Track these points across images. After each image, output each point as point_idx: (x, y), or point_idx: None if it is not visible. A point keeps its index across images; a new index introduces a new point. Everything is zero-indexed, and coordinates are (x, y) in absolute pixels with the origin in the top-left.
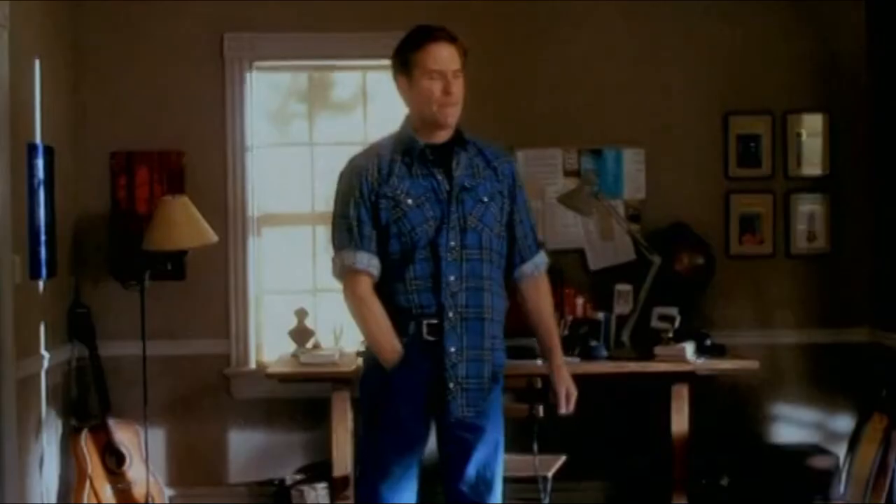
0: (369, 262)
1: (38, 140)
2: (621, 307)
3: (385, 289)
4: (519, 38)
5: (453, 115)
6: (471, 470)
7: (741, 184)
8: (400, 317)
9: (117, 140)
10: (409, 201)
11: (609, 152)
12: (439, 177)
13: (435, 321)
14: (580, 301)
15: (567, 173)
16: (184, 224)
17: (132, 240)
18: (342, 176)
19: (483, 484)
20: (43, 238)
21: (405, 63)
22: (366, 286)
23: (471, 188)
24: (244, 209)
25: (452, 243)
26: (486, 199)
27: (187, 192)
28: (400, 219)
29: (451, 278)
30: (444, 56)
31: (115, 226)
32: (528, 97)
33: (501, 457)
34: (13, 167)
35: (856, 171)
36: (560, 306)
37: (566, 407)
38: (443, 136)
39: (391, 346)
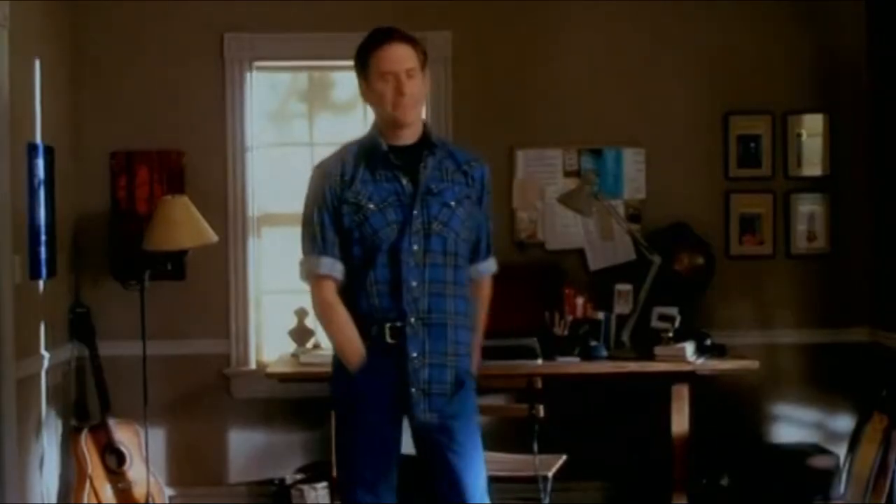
0: (332, 267)
1: (38, 140)
2: (621, 307)
3: (349, 293)
4: (519, 38)
5: (411, 113)
6: (449, 473)
7: (741, 184)
8: (363, 321)
9: (117, 140)
10: (371, 206)
11: (609, 152)
12: (404, 180)
13: (398, 324)
14: (580, 301)
15: (567, 173)
16: (184, 224)
17: (132, 240)
18: (310, 180)
19: (462, 486)
20: (43, 238)
21: (362, 67)
22: (329, 291)
23: (437, 192)
24: (244, 209)
25: (415, 247)
26: (452, 204)
27: (187, 192)
28: (362, 223)
29: (413, 283)
30: (395, 56)
31: (115, 226)
32: (528, 97)
33: (480, 456)
34: (13, 167)
35: (856, 171)
36: (560, 306)
37: None
38: (410, 138)
39: (355, 349)
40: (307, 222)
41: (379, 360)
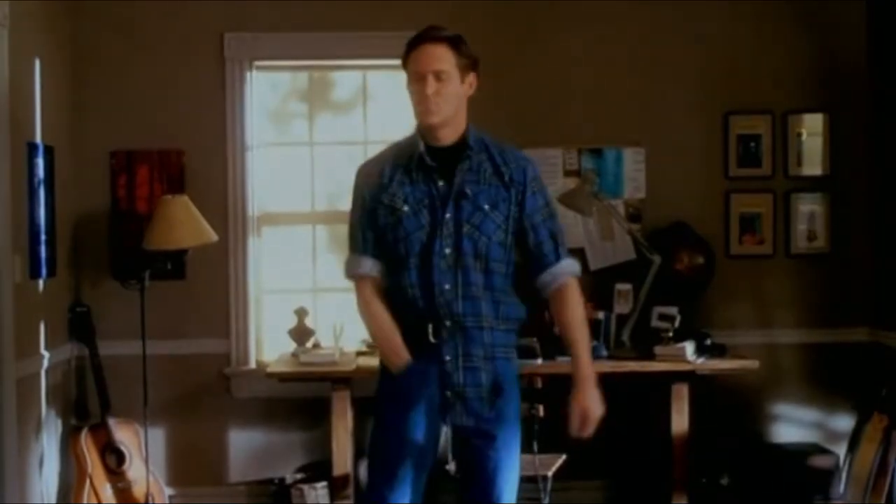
0: (371, 267)
1: (38, 139)
2: (621, 307)
3: (388, 294)
4: (519, 38)
5: (433, 115)
6: (483, 476)
7: (741, 183)
8: (402, 321)
9: (117, 139)
10: (406, 208)
11: (609, 152)
12: (440, 182)
13: (435, 326)
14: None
15: (567, 173)
16: (184, 223)
17: (132, 239)
18: (354, 181)
19: (494, 488)
20: (43, 237)
21: (405, 67)
22: (370, 290)
23: (471, 195)
24: (244, 208)
25: (447, 251)
26: (486, 207)
27: (187, 192)
28: (396, 225)
29: (446, 286)
30: (425, 58)
31: (115, 225)
32: (528, 97)
33: (516, 463)
34: (13, 167)
35: (856, 171)
36: None
37: (579, 430)
38: (448, 139)
39: (396, 349)
40: (350, 223)
41: (421, 362)
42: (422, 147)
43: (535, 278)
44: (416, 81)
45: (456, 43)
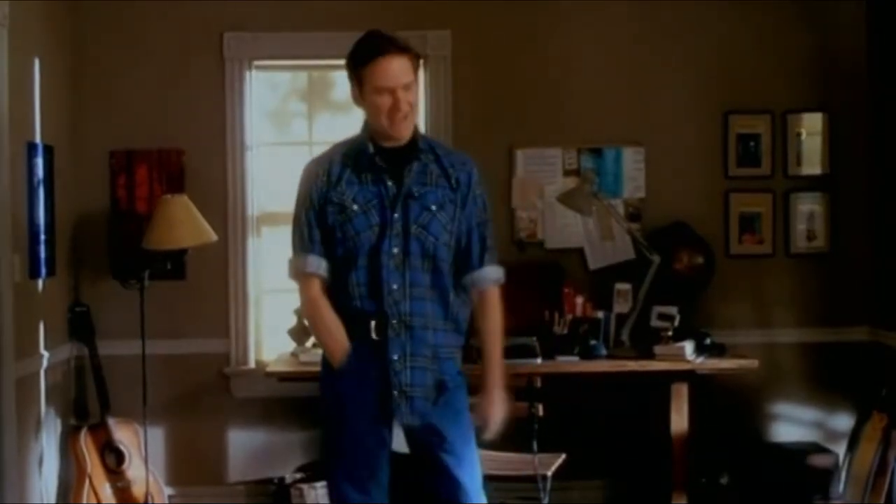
0: (318, 266)
1: (37, 139)
2: (621, 306)
3: (333, 292)
4: (519, 38)
5: (406, 127)
6: (443, 471)
7: (741, 183)
8: (347, 320)
9: (117, 139)
10: (355, 207)
11: (609, 151)
12: (388, 183)
13: (382, 324)
14: (580, 300)
15: (567, 173)
16: (183, 223)
17: (132, 239)
18: (300, 180)
19: (457, 484)
20: (42, 237)
21: (355, 74)
22: (315, 289)
23: (419, 196)
24: (244, 208)
25: (395, 250)
26: (433, 208)
27: (187, 191)
28: (344, 224)
29: (394, 286)
30: (392, 71)
31: (114, 225)
32: (527, 97)
33: (473, 454)
34: (13, 166)
35: (856, 170)
36: (560, 305)
37: (482, 432)
38: (398, 142)
39: (340, 346)
40: (295, 221)
41: (364, 361)
42: (372, 148)
43: (458, 278)
44: (385, 94)
45: (410, 49)
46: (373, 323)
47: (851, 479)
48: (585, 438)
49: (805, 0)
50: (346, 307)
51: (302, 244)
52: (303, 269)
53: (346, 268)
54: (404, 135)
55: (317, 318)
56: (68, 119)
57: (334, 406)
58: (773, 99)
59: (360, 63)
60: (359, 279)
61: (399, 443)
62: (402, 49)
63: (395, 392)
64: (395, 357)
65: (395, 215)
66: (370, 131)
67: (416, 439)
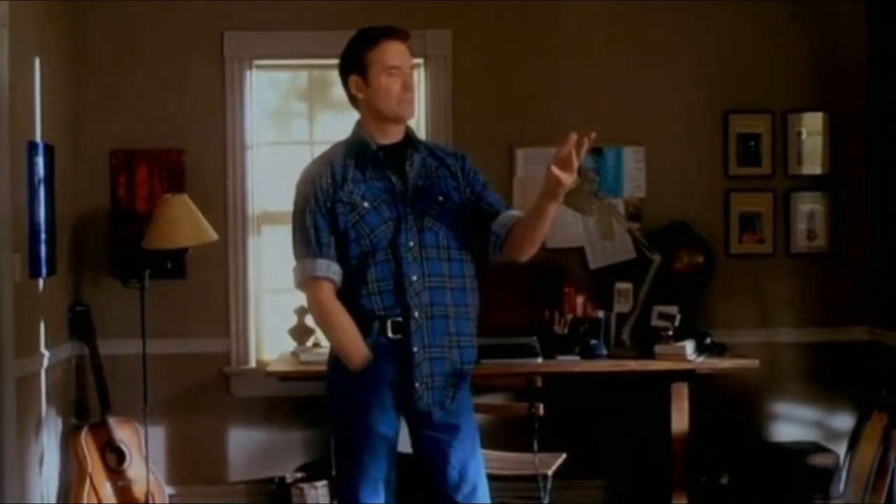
0: (329, 269)
1: (38, 138)
2: (621, 306)
3: (347, 294)
4: (519, 37)
5: (412, 109)
6: (452, 472)
7: (741, 182)
8: (363, 319)
9: (117, 138)
10: (366, 204)
11: (609, 151)
12: (393, 178)
13: (399, 320)
14: (580, 299)
15: None
16: (184, 222)
17: (132, 238)
18: (297, 186)
19: (467, 485)
20: (43, 236)
21: (360, 61)
22: (328, 292)
23: (425, 188)
24: (244, 207)
25: (411, 243)
26: (441, 199)
27: (187, 191)
28: (357, 222)
29: (414, 278)
30: (401, 51)
31: (114, 224)
32: (527, 96)
33: (480, 454)
34: (13, 166)
35: (856, 170)
36: (560, 305)
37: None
38: (395, 137)
39: (358, 349)
40: (299, 227)
41: (380, 357)
42: (374, 144)
43: (489, 232)
44: (392, 75)
45: (410, 41)
46: (389, 321)
47: (852, 478)
48: (585, 438)
49: (806, 0)
50: (364, 306)
51: (307, 249)
52: (311, 273)
53: (363, 266)
54: (409, 116)
55: (331, 321)
56: (69, 118)
57: (347, 406)
58: (774, 98)
59: (367, 46)
60: (378, 275)
61: (404, 444)
62: (405, 36)
63: (417, 384)
64: (416, 349)
65: (408, 209)
66: (366, 128)
67: (428, 437)
